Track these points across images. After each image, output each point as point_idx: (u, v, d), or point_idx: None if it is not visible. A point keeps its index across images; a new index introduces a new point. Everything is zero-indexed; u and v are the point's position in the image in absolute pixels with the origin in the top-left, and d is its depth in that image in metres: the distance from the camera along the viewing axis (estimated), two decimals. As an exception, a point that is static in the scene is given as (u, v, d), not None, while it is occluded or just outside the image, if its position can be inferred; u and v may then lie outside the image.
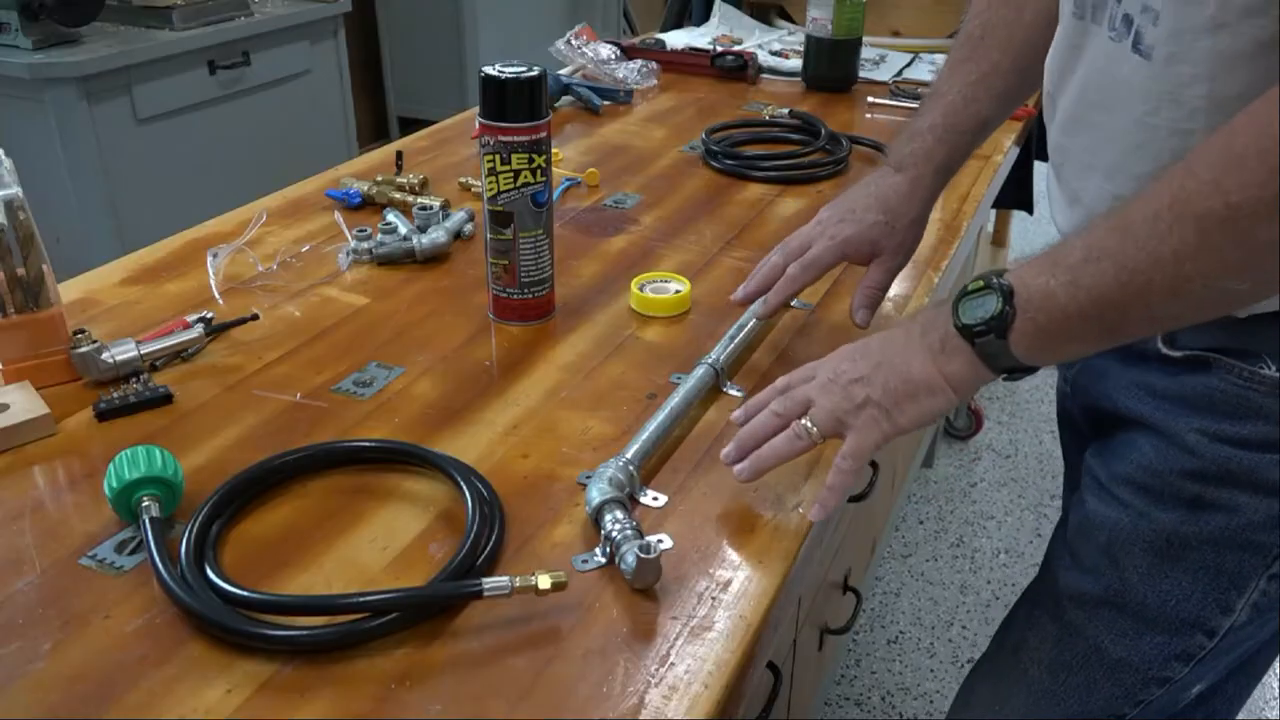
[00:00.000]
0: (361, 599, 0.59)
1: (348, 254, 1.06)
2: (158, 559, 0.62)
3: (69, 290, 0.99)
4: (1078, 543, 0.80)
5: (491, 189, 0.89)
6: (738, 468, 0.70)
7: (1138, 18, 0.65)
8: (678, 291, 0.99)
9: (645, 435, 0.75)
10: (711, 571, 0.65)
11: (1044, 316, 0.61)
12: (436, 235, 1.07)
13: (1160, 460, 0.73)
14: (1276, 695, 1.78)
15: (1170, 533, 0.73)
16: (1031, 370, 0.65)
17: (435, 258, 1.07)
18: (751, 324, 0.91)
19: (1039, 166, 1.87)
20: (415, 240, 1.06)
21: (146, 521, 0.64)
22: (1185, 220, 0.55)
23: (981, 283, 0.64)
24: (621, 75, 1.70)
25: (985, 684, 0.90)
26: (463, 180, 1.26)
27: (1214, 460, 0.70)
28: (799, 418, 0.69)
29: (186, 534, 0.64)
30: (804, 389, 0.70)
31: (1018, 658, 0.85)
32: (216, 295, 0.98)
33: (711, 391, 0.84)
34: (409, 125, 3.38)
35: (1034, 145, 1.86)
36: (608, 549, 0.65)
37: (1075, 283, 0.60)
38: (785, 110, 1.56)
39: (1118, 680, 0.78)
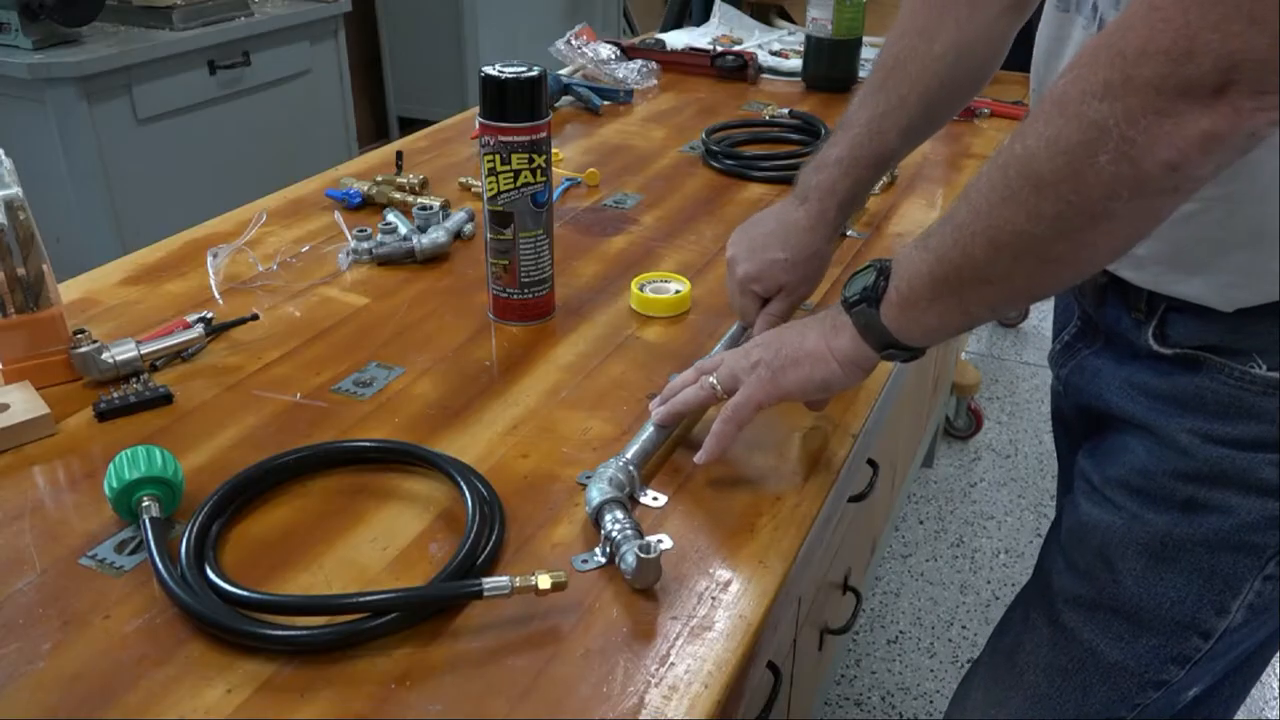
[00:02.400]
0: (361, 599, 0.59)
1: (348, 254, 1.06)
2: (158, 559, 0.62)
3: (69, 290, 0.99)
4: (1071, 546, 0.80)
5: (491, 189, 0.89)
6: (655, 412, 0.76)
7: (1106, 7, 0.66)
8: (678, 291, 0.99)
9: (645, 435, 0.75)
10: (711, 571, 0.65)
11: (905, 284, 0.66)
12: (436, 235, 1.07)
13: (1153, 462, 0.73)
14: (1276, 695, 1.78)
15: (1164, 535, 0.73)
16: (911, 352, 0.70)
17: (435, 258, 1.07)
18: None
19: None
20: (415, 240, 1.06)
21: (146, 521, 0.64)
22: (994, 169, 0.60)
23: (868, 263, 0.70)
24: (621, 75, 1.70)
25: (981, 688, 0.90)
26: (463, 180, 1.26)
27: (1207, 461, 0.70)
28: (709, 374, 0.75)
29: (186, 534, 0.64)
30: (724, 355, 0.77)
31: (1013, 662, 0.85)
32: (216, 295, 0.98)
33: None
34: (409, 125, 3.38)
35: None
36: (608, 549, 0.65)
37: (925, 245, 0.65)
38: (785, 110, 1.56)
39: (1114, 684, 0.78)
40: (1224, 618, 0.73)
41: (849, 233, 0.97)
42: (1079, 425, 0.85)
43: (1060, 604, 0.80)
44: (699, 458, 0.73)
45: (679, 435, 0.79)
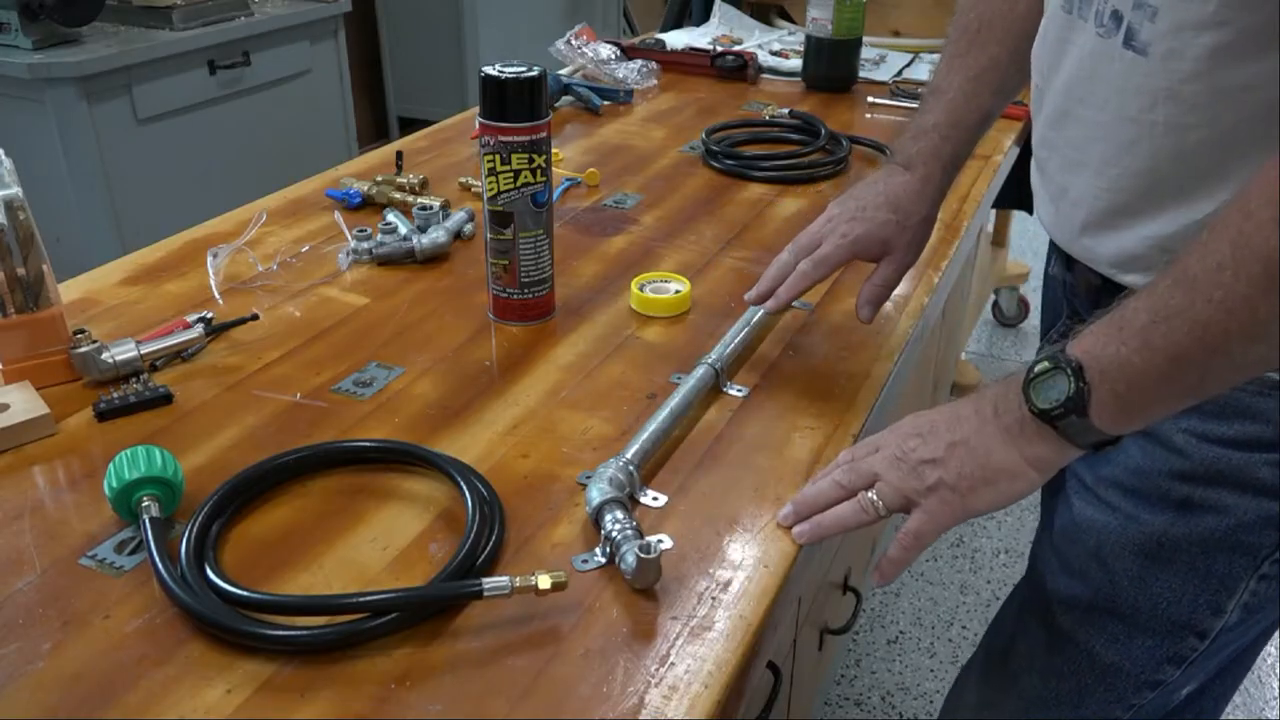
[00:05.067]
0: (361, 599, 0.59)
1: (348, 254, 1.06)
2: (158, 559, 0.62)
3: (69, 290, 0.99)
4: (1065, 547, 0.80)
5: (491, 189, 0.89)
6: (797, 529, 0.68)
7: (1129, 14, 0.66)
8: (678, 291, 0.99)
9: (645, 435, 0.75)
10: (711, 571, 0.65)
11: (1123, 385, 0.59)
12: (436, 235, 1.07)
13: (1148, 462, 0.73)
14: (1276, 695, 1.78)
15: (1160, 535, 0.73)
16: (1117, 440, 0.63)
17: (435, 258, 1.07)
18: (752, 323, 0.91)
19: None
20: (415, 240, 1.06)
21: (146, 521, 0.64)
22: (1249, 263, 0.54)
23: (1048, 364, 0.62)
24: (621, 75, 1.70)
25: (974, 690, 0.90)
26: (463, 180, 1.26)
27: (1203, 461, 0.70)
28: (864, 490, 0.67)
29: (186, 534, 0.64)
30: (869, 462, 0.68)
31: (1007, 663, 0.85)
32: (216, 295, 0.98)
33: (712, 391, 0.84)
34: (409, 125, 3.38)
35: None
36: (608, 549, 0.65)
37: (1148, 345, 0.58)
38: (785, 110, 1.56)
39: (1110, 685, 0.78)
40: (1220, 617, 0.74)
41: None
42: None
43: (1055, 606, 0.80)
44: (876, 580, 0.68)
45: (679, 435, 0.78)
